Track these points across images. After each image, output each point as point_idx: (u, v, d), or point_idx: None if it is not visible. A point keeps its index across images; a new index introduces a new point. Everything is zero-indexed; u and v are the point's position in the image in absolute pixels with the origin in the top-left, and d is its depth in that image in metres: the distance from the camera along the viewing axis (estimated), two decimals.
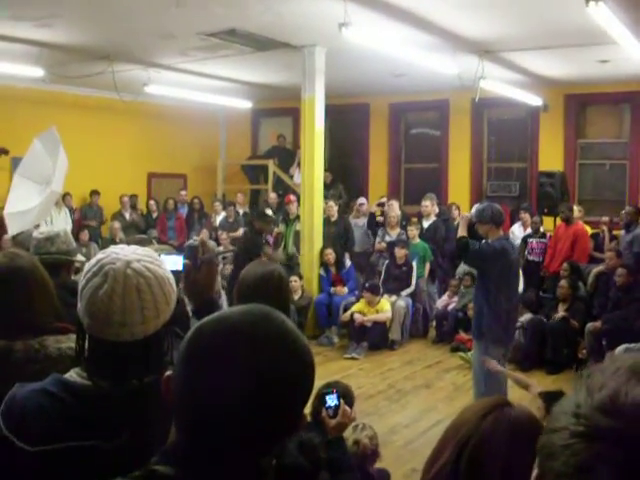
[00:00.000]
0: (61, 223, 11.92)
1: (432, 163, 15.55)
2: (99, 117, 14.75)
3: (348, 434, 3.70)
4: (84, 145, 13.74)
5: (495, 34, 9.62)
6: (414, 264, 11.25)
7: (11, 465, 1.63)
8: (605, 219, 12.42)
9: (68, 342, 2.29)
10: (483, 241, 6.59)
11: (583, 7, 6.97)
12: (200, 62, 11.74)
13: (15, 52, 10.62)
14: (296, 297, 10.54)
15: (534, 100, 13.41)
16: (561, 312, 9.77)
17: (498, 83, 11.79)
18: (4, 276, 2.54)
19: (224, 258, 12.38)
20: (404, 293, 11.09)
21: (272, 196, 14.90)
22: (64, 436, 1.62)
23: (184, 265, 2.51)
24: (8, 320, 2.44)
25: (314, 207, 10.97)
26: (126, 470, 1.28)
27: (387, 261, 11.51)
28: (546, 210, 12.32)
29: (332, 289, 11.18)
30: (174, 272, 2.23)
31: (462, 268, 11.19)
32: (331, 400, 3.27)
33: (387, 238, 12.07)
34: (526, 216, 12.43)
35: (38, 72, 11.33)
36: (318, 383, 4.26)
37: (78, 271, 4.13)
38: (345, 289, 11.23)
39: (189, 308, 2.73)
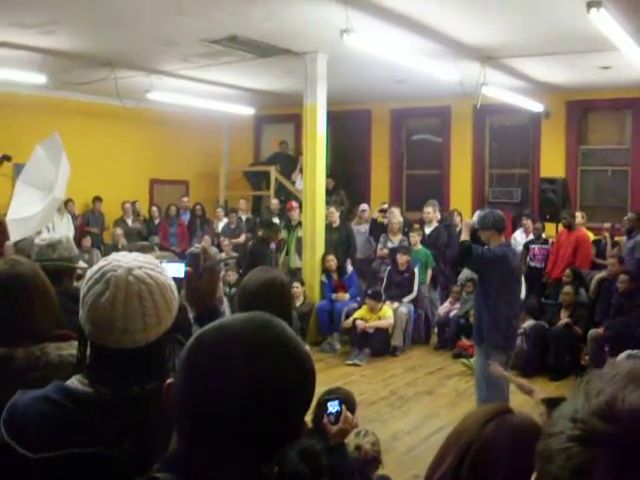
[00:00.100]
0: (63, 229, 11.94)
1: (434, 169, 15.55)
2: (101, 123, 14.77)
3: (350, 440, 3.70)
4: (86, 151, 13.76)
5: (497, 40, 9.63)
6: (416, 270, 11.25)
7: (13, 472, 1.63)
8: (607, 225, 12.43)
9: (69, 349, 2.29)
10: (485, 247, 6.60)
11: (585, 13, 6.99)
12: (202, 69, 11.77)
13: (18, 59, 10.65)
14: (298, 303, 10.54)
15: (536, 106, 13.42)
16: (564, 318, 9.76)
17: (500, 89, 11.80)
18: (5, 283, 2.54)
19: (226, 264, 12.39)
20: (406, 299, 11.08)
21: (274, 202, 14.91)
22: (66, 443, 1.62)
23: (186, 272, 2.52)
24: (9, 327, 2.44)
25: (316, 213, 10.97)
26: (128, 477, 1.29)
27: (389, 267, 11.51)
28: (548, 216, 12.32)
29: (334, 295, 11.18)
30: (176, 279, 2.24)
31: (464, 274, 11.19)
32: (333, 407, 3.27)
33: (389, 244, 12.07)
34: (528, 222, 12.42)
35: (41, 79, 11.35)
36: (320, 390, 4.27)
37: (80, 278, 4.14)
38: (347, 295, 11.23)
39: (191, 315, 2.73)
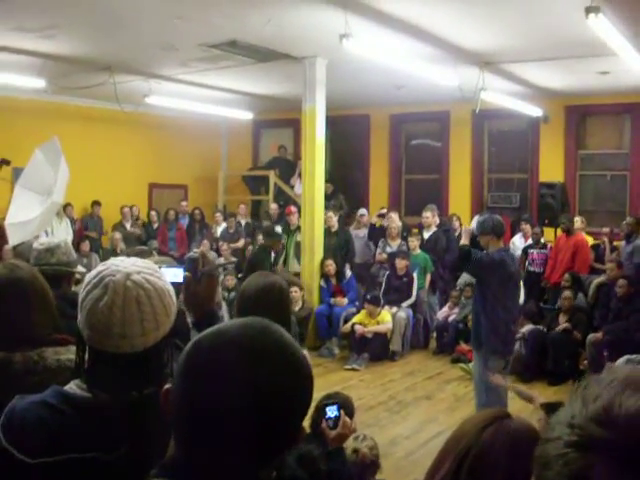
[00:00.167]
0: (62, 234, 11.94)
1: (433, 174, 15.56)
2: (100, 128, 14.78)
3: (348, 444, 3.69)
4: (85, 156, 13.77)
5: (496, 46, 9.65)
6: (415, 275, 11.25)
7: (11, 478, 1.63)
8: (606, 230, 12.44)
9: (67, 354, 2.29)
10: (484, 252, 6.61)
11: (583, 19, 7.00)
12: (201, 73, 11.78)
13: (18, 63, 10.66)
14: (297, 308, 10.54)
15: (534, 111, 13.43)
16: (563, 323, 9.76)
17: (499, 94, 11.81)
18: (3, 288, 2.54)
19: (225, 269, 12.39)
20: (405, 304, 11.08)
21: (273, 207, 14.92)
22: (64, 448, 1.62)
23: (185, 277, 2.52)
24: (7, 332, 2.43)
25: (315, 218, 10.98)
26: None
27: (388, 272, 11.50)
28: (547, 221, 12.32)
29: (332, 300, 11.18)
30: (175, 284, 2.23)
31: (463, 279, 11.19)
32: (331, 411, 3.27)
33: (388, 249, 12.06)
34: (527, 227, 12.43)
35: (40, 83, 11.37)
36: (319, 394, 4.27)
37: (78, 282, 4.14)
38: (345, 300, 11.22)
39: (189, 320, 2.73)
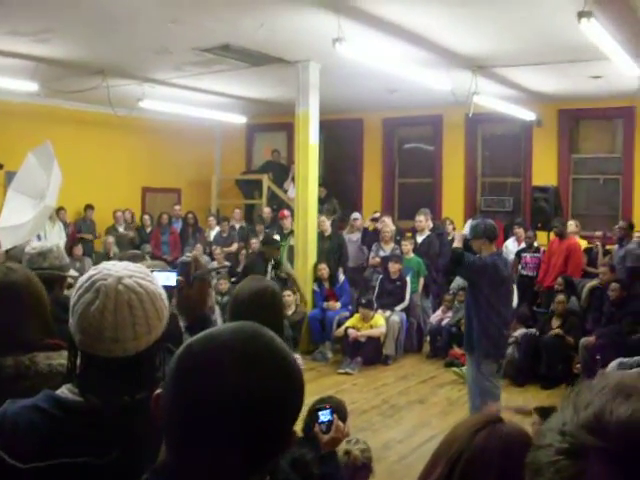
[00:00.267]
0: (55, 237, 11.92)
1: (426, 178, 15.57)
2: (93, 132, 14.76)
3: (340, 447, 3.69)
4: (78, 160, 13.75)
5: (488, 50, 9.66)
6: (408, 279, 11.25)
7: None
8: (598, 234, 12.46)
9: (59, 359, 2.28)
10: (476, 255, 6.62)
11: (575, 23, 7.01)
12: (195, 77, 11.78)
13: (11, 66, 10.64)
14: (290, 312, 10.53)
15: (528, 115, 13.46)
16: (556, 327, 9.77)
17: (491, 98, 11.83)
18: None
19: (218, 273, 12.37)
20: (398, 308, 11.09)
21: (266, 211, 14.93)
22: (55, 453, 1.61)
23: (177, 281, 2.51)
24: None
25: (308, 222, 10.98)
26: None
27: (381, 276, 11.51)
28: (540, 225, 12.33)
29: (325, 304, 11.17)
30: (167, 288, 2.23)
31: (456, 283, 11.20)
32: (324, 415, 3.26)
33: (381, 253, 12.07)
34: (520, 231, 12.44)
35: (33, 87, 11.34)
36: (312, 398, 4.27)
37: (71, 286, 4.12)
38: (338, 304, 11.22)
39: (182, 324, 2.72)
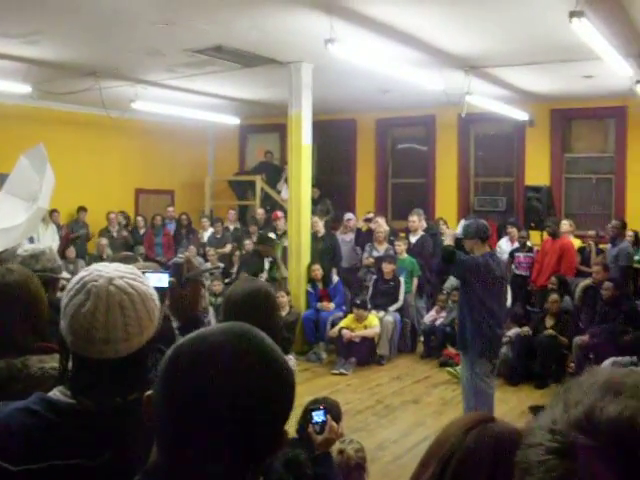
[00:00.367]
0: (48, 240, 11.90)
1: (419, 178, 15.59)
2: (86, 133, 14.74)
3: (334, 446, 3.69)
4: (71, 161, 13.72)
5: (480, 50, 9.68)
6: (402, 279, 11.26)
7: None
8: (591, 233, 12.49)
9: (52, 362, 2.27)
10: (469, 255, 6.63)
11: (567, 23, 7.02)
12: (187, 78, 11.77)
13: (2, 69, 10.63)
14: (284, 313, 10.53)
15: (520, 115, 13.48)
16: (549, 326, 9.78)
17: (484, 98, 11.85)
18: None
19: (212, 274, 12.36)
20: (392, 308, 11.09)
21: (260, 212, 14.92)
22: (47, 455, 1.61)
23: (170, 282, 2.51)
24: None
25: (301, 223, 10.97)
26: None
27: (375, 276, 11.51)
28: (533, 224, 12.35)
29: (319, 305, 11.17)
30: (160, 289, 2.23)
31: (450, 283, 11.21)
32: (318, 416, 3.27)
33: (375, 253, 12.08)
34: (513, 230, 12.45)
35: (25, 89, 11.32)
36: (306, 399, 4.26)
37: (64, 288, 4.11)
38: (331, 305, 11.21)
39: (175, 325, 2.72)
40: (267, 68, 10.77)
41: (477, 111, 12.35)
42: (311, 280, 11.25)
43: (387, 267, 11.20)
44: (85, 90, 11.53)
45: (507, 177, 14.84)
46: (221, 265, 13.26)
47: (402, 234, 12.40)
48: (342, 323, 10.63)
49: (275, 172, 16.09)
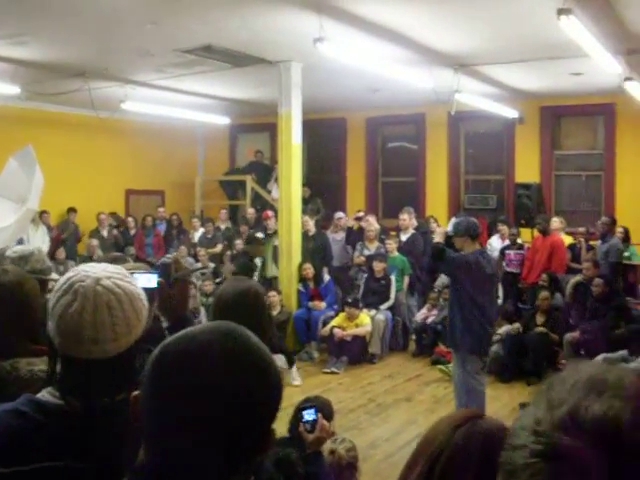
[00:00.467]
0: (38, 241, 11.87)
1: (409, 176, 15.60)
2: (76, 134, 14.71)
3: (325, 445, 3.69)
4: (61, 163, 13.69)
5: (469, 48, 9.69)
6: (393, 278, 11.26)
7: None
8: (581, 230, 12.52)
9: (41, 365, 2.27)
10: (459, 252, 6.64)
11: (555, 20, 7.04)
12: (177, 78, 11.74)
13: None
14: (275, 312, 10.53)
15: (510, 113, 13.51)
16: (540, 323, 9.80)
17: (474, 96, 11.86)
18: None
19: (203, 274, 12.35)
20: (383, 307, 11.09)
21: (250, 212, 14.91)
22: (37, 456, 1.61)
23: (158, 282, 2.50)
24: None
25: (292, 222, 10.96)
26: None
27: (366, 275, 11.52)
28: (523, 222, 12.38)
29: (310, 304, 11.16)
30: (149, 289, 2.22)
31: (441, 281, 11.23)
32: (309, 415, 3.27)
33: (366, 252, 12.08)
34: (504, 228, 12.48)
35: (14, 90, 11.28)
36: (298, 398, 4.26)
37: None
38: (323, 304, 11.20)
39: (164, 325, 2.71)
40: (257, 68, 10.76)
41: (467, 109, 12.37)
42: (302, 279, 11.24)
43: (378, 266, 11.21)
44: (74, 91, 11.50)
45: (497, 175, 14.88)
46: (211, 265, 13.25)
47: (393, 232, 12.41)
48: (334, 322, 10.62)
49: (265, 172, 16.08)
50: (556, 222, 11.82)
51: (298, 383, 9.12)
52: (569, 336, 9.50)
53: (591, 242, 11.99)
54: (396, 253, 11.59)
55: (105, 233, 14.58)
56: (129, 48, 9.80)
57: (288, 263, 11.10)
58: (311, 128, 14.00)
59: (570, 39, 7.93)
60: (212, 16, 8.29)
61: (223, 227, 15.10)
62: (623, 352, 8.49)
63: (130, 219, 15.34)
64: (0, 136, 12.63)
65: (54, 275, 4.19)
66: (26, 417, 1.67)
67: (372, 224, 12.40)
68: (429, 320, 11.09)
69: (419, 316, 11.36)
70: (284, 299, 10.94)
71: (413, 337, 11.47)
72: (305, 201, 12.52)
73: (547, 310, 9.90)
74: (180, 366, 1.23)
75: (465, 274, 6.49)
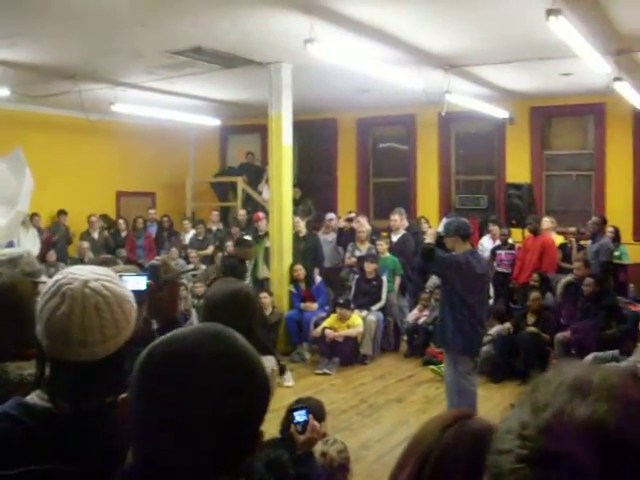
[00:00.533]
0: (29, 243, 11.83)
1: (400, 177, 15.61)
2: (66, 136, 14.67)
3: (317, 447, 3.69)
4: (51, 165, 13.67)
5: (459, 48, 9.70)
6: (384, 278, 11.26)
7: None
8: (572, 229, 12.55)
9: (30, 368, 2.25)
10: (449, 253, 6.65)
11: (544, 21, 7.05)
12: (167, 80, 11.72)
13: None
14: (267, 314, 10.52)
15: (500, 113, 13.53)
16: (531, 323, 9.82)
17: (464, 97, 11.88)
18: None
19: (194, 276, 12.33)
20: (375, 307, 11.09)
21: (241, 213, 14.90)
22: (25, 459, 1.60)
23: (147, 285, 2.50)
24: None
25: (283, 223, 10.95)
26: None
27: (357, 276, 11.52)
28: (514, 222, 12.40)
29: (302, 305, 11.16)
30: (138, 292, 2.22)
31: (432, 281, 11.23)
32: (299, 416, 3.27)
33: (357, 253, 12.08)
34: (495, 228, 12.51)
35: (3, 92, 11.24)
36: (290, 399, 4.26)
37: None
38: (315, 305, 11.20)
39: (155, 327, 2.71)
40: (247, 69, 10.75)
41: (457, 110, 12.39)
42: (294, 280, 11.23)
43: (369, 266, 11.21)
44: (64, 93, 11.47)
45: (488, 175, 14.90)
46: (202, 267, 13.24)
47: (384, 233, 12.42)
48: (325, 323, 10.62)
49: (256, 173, 16.07)
50: (547, 222, 11.85)
51: (290, 384, 9.12)
52: (560, 336, 9.51)
53: (582, 242, 12.01)
54: (387, 254, 11.59)
55: (96, 235, 14.55)
56: (119, 50, 9.77)
57: (279, 264, 11.10)
58: (302, 129, 14.00)
59: (559, 39, 7.95)
60: (202, 18, 8.27)
61: (214, 229, 15.08)
62: (614, 351, 8.52)
63: (121, 221, 15.30)
64: None
65: (44, 278, 4.18)
66: (14, 420, 1.67)
67: (363, 225, 12.40)
68: (420, 321, 11.09)
69: (410, 317, 11.36)
70: (275, 300, 10.94)
71: (405, 338, 11.47)
72: (296, 202, 12.52)
73: (538, 310, 9.91)
74: (168, 367, 1.23)
75: (455, 274, 6.50)
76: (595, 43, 8.45)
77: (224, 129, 17.04)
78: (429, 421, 1.60)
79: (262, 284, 11.70)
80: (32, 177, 9.45)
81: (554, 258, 11.31)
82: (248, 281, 10.86)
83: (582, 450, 0.82)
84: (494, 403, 8.33)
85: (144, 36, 8.95)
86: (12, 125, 13.31)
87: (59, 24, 8.51)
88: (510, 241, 12.11)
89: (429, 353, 10.46)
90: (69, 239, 14.53)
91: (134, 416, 1.25)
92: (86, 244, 13.70)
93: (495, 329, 9.86)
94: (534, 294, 9.99)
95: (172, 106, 13.93)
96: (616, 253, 11.37)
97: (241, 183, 15.66)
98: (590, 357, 8.40)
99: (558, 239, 11.89)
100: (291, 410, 3.35)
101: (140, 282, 2.45)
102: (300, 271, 11.16)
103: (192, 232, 14.86)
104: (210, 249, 14.13)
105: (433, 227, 10.83)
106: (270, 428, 4.15)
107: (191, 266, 12.52)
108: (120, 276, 1.99)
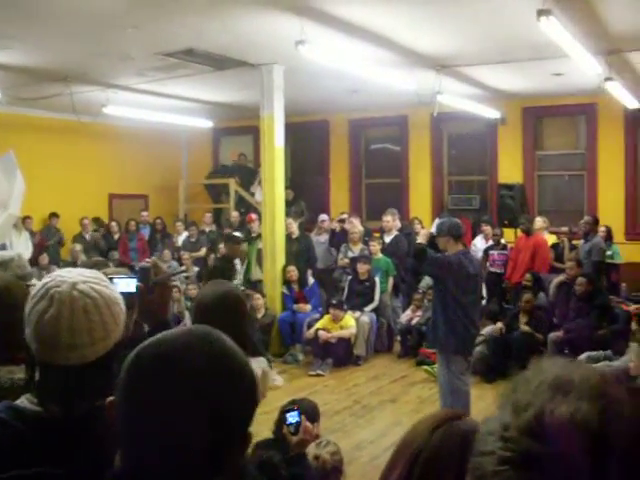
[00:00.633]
0: (21, 246, 11.80)
1: (393, 178, 15.62)
2: (58, 139, 14.64)
3: (309, 450, 3.69)
4: (43, 168, 13.64)
5: (451, 49, 9.71)
6: (377, 279, 11.26)
7: None
8: (564, 229, 12.57)
9: (21, 373, 2.25)
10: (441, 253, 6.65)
11: (535, 21, 7.07)
12: (159, 82, 11.71)
13: None
14: (259, 315, 10.51)
15: (492, 113, 13.55)
16: (523, 323, 9.83)
17: (456, 98, 11.89)
18: None
19: (187, 278, 12.31)
20: (368, 308, 11.09)
21: (234, 215, 14.89)
22: (15, 463, 1.60)
23: (137, 287, 2.49)
24: None
25: (276, 225, 10.95)
26: None
27: (350, 277, 11.52)
28: (506, 222, 12.41)
29: (295, 306, 11.15)
30: (128, 294, 2.21)
31: (425, 282, 11.23)
32: (292, 417, 3.27)
33: (350, 254, 12.08)
34: (487, 228, 12.53)
35: None
36: (284, 401, 4.26)
37: None
38: (308, 306, 11.20)
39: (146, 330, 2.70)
40: (238, 71, 10.75)
41: (449, 110, 12.40)
42: (286, 282, 11.23)
43: (362, 267, 11.20)
44: (56, 95, 11.44)
45: (480, 175, 14.92)
46: (195, 269, 13.22)
47: (376, 234, 12.42)
48: (318, 324, 10.61)
49: (249, 174, 16.05)
50: (539, 222, 11.88)
51: (279, 384, 9.13)
52: (553, 335, 9.53)
53: (574, 241, 12.04)
54: (380, 255, 11.60)
55: (88, 237, 14.52)
56: (110, 52, 9.75)
57: (272, 266, 11.09)
58: (294, 130, 14.00)
59: (550, 40, 7.96)
60: (193, 19, 8.27)
61: (207, 230, 15.06)
62: (607, 352, 8.54)
63: (113, 223, 15.28)
64: None
65: (34, 281, 4.17)
66: (4, 424, 1.66)
67: (356, 226, 12.41)
68: (414, 321, 11.09)
69: (404, 317, 11.37)
70: (268, 302, 10.94)
71: (398, 338, 11.47)
72: (288, 203, 12.52)
73: (530, 311, 9.93)
74: (155, 369, 1.23)
75: (447, 274, 6.50)
76: (586, 43, 8.48)
77: (216, 131, 17.03)
78: (418, 422, 1.60)
79: (255, 285, 11.69)
80: (24, 180, 9.42)
81: (546, 258, 11.33)
82: (238, 282, 10.81)
83: (569, 450, 0.81)
84: (487, 403, 8.33)
85: (135, 38, 8.94)
86: (3, 128, 13.27)
87: (50, 26, 8.49)
88: (503, 241, 12.13)
89: (422, 353, 10.47)
90: (62, 242, 14.49)
91: (122, 418, 1.25)
92: (79, 247, 13.67)
93: (488, 329, 9.86)
94: (526, 296, 10.01)
95: (164, 108, 13.92)
96: (608, 253, 11.40)
97: (234, 185, 15.65)
98: (583, 356, 8.42)
99: (550, 239, 11.91)
100: (283, 411, 3.35)
101: (130, 284, 2.45)
102: (293, 272, 11.16)
103: (185, 234, 14.84)
104: (203, 251, 14.12)
105: (426, 228, 10.83)
106: (263, 429, 4.15)
107: (183, 268, 12.49)
108: (110, 279, 1.99)
